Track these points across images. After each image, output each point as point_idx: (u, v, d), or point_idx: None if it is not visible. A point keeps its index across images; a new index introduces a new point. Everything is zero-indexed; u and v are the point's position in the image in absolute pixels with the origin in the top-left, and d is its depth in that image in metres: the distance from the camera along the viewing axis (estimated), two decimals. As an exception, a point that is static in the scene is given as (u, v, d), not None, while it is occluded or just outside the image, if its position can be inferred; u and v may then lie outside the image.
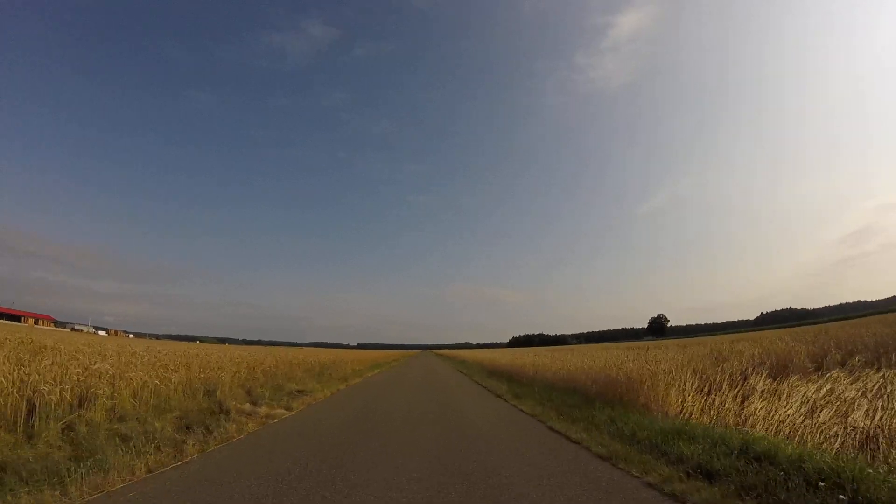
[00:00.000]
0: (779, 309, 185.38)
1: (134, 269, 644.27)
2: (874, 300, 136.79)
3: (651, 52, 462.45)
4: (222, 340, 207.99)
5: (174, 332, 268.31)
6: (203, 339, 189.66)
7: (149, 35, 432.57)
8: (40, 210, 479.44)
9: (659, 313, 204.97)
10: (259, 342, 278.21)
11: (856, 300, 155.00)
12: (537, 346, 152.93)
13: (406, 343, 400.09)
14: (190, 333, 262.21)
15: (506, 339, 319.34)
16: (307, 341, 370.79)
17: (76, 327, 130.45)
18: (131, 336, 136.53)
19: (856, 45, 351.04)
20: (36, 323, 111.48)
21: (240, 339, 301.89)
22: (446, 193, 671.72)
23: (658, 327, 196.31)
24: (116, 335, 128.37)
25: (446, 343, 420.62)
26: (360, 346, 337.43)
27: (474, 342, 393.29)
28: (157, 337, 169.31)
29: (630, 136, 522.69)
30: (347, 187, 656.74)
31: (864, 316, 62.38)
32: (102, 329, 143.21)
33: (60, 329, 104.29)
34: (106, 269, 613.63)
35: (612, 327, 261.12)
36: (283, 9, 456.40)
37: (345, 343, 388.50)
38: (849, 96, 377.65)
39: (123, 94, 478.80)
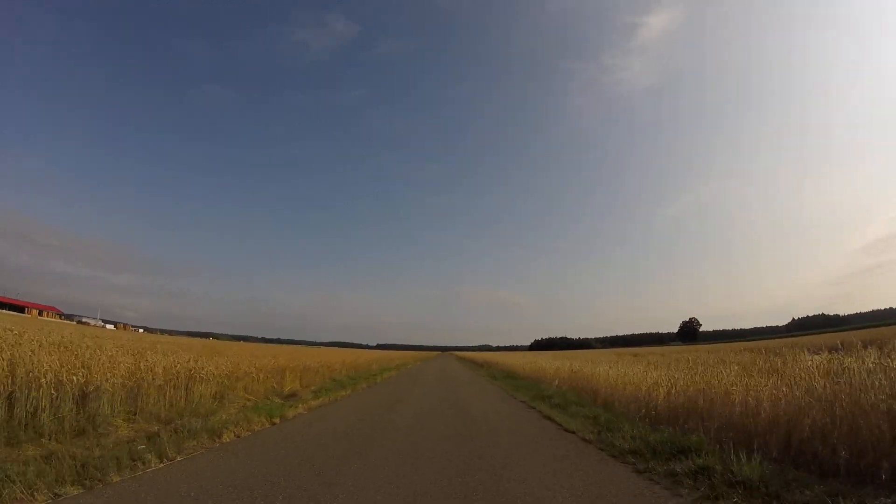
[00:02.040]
0: (810, 315, 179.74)
1: (151, 264, 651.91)
2: None
3: (678, 53, 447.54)
4: (237, 338, 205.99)
5: (190, 329, 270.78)
6: (217, 336, 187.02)
7: (169, 30, 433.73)
8: (60, 203, 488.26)
9: (691, 317, 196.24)
10: (279, 340, 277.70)
11: (887, 307, 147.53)
12: (559, 349, 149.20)
13: (425, 344, 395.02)
14: (206, 330, 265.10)
15: (526, 343, 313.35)
16: (326, 340, 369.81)
17: (83, 320, 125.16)
18: (141, 331, 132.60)
19: (882, 51, 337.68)
20: (40, 314, 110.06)
21: (258, 336, 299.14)
22: (464, 194, 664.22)
23: (689, 332, 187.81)
24: (125, 329, 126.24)
25: (465, 345, 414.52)
26: (380, 347, 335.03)
27: (494, 345, 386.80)
28: (170, 333, 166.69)
29: (653, 138, 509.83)
30: (365, 186, 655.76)
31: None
32: (110, 323, 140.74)
33: (66, 322, 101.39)
34: (124, 263, 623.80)
35: (638, 332, 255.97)
36: (307, 3, 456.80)
37: (364, 343, 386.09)
38: (874, 103, 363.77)
39: (143, 90, 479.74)
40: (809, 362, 8.23)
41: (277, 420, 10.02)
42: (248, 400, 12.61)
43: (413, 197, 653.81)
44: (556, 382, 15.62)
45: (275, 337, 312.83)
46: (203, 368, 12.06)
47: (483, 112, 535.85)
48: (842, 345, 10.10)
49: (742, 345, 53.92)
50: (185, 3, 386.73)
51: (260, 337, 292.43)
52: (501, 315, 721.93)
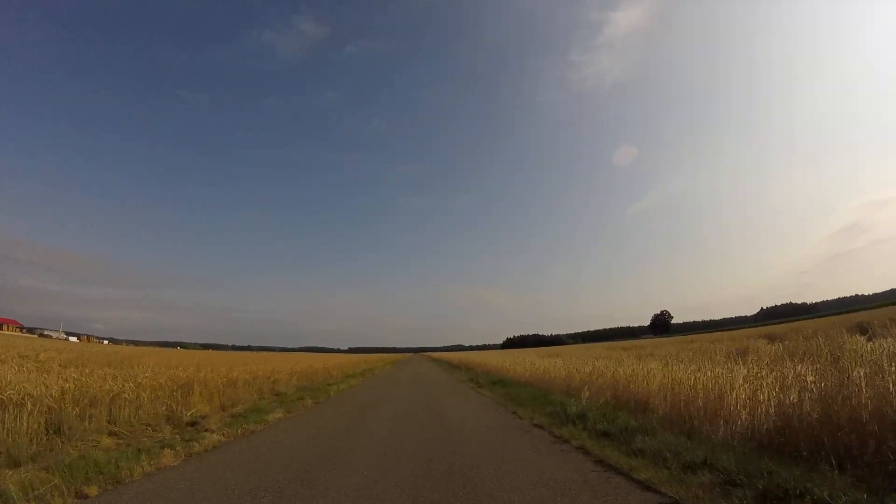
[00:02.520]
0: (778, 304, 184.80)
1: (120, 274, 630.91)
2: (871, 294, 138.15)
3: (644, 49, 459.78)
4: (206, 346, 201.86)
5: (160, 339, 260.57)
6: (186, 346, 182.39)
7: (138, 35, 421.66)
8: (25, 214, 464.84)
9: (662, 310, 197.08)
10: (249, 348, 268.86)
11: (853, 294, 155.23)
12: (532, 346, 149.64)
13: (398, 346, 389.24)
14: (177, 339, 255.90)
15: (499, 341, 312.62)
16: (298, 346, 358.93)
17: (45, 333, 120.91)
18: (105, 342, 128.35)
19: (843, 44, 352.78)
20: (0, 328, 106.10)
21: (229, 344, 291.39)
22: (438, 194, 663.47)
23: (662, 325, 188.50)
24: (89, 341, 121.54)
25: (438, 346, 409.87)
26: (351, 350, 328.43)
27: (466, 344, 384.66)
28: (135, 343, 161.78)
29: (621, 134, 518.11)
30: (338, 189, 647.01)
31: (866, 309, 61.48)
32: (73, 335, 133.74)
33: (27, 335, 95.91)
34: (95, 275, 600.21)
35: (609, 326, 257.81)
36: (274, 6, 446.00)
37: (336, 347, 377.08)
38: (836, 95, 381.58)
39: (112, 95, 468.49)
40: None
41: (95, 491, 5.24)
42: (112, 435, 8.07)
43: (388, 198, 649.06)
44: (586, 393, 10.88)
45: (246, 344, 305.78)
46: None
47: (457, 112, 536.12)
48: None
49: (723, 334, 51.36)
50: (156, 8, 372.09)
51: (230, 345, 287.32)
52: (474, 314, 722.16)
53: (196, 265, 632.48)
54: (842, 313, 74.05)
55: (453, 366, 45.06)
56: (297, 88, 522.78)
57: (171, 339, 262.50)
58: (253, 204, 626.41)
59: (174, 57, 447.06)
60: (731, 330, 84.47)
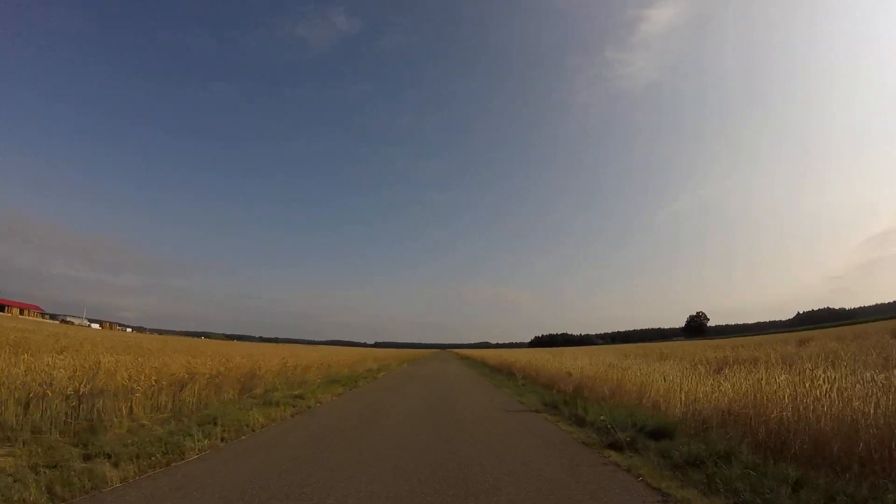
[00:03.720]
0: (815, 309, 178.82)
1: (148, 263, 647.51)
2: None
3: (680, 49, 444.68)
4: (232, 337, 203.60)
5: (187, 329, 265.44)
6: (211, 336, 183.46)
7: (171, 25, 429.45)
8: (59, 201, 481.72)
9: (698, 311, 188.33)
10: (276, 339, 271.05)
11: (891, 301, 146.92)
12: (560, 345, 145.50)
13: (424, 342, 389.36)
14: (204, 329, 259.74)
15: (526, 340, 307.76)
16: (324, 339, 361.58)
17: (67, 319, 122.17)
18: (129, 330, 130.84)
19: (882, 49, 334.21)
20: (21, 313, 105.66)
21: (256, 336, 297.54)
22: (466, 191, 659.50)
23: (696, 327, 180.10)
24: (111, 328, 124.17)
25: (465, 343, 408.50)
26: (378, 345, 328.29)
27: (493, 342, 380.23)
28: (160, 332, 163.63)
29: (654, 136, 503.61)
30: (366, 182, 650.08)
31: None
32: (96, 322, 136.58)
33: (48, 321, 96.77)
34: (124, 263, 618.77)
35: (636, 328, 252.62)
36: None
37: (362, 342, 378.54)
38: (874, 100, 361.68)
39: (145, 84, 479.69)
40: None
41: None
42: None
43: (415, 194, 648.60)
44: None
45: (273, 336, 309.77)
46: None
47: (486, 109, 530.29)
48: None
49: (767, 337, 45.09)
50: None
51: (258, 336, 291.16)
52: (500, 312, 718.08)
53: (223, 256, 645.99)
54: (883, 319, 69.88)
55: (492, 368, 34.19)
56: (328, 81, 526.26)
57: (195, 329, 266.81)
58: (281, 195, 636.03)
59: (207, 47, 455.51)
60: (766, 334, 78.86)
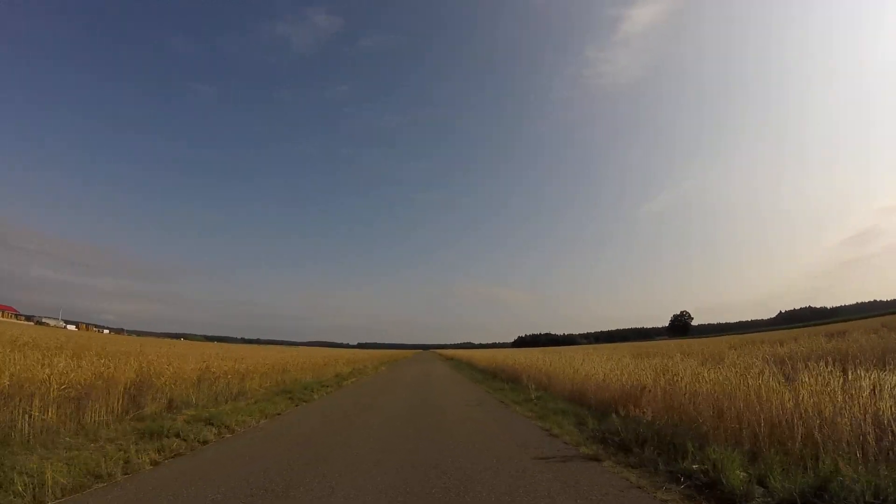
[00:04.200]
0: (797, 308, 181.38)
1: (130, 266, 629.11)
2: (889, 299, 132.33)
3: (660, 48, 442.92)
4: (212, 339, 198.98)
5: (169, 330, 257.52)
6: (190, 338, 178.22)
7: (151, 27, 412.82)
8: (39, 205, 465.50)
9: (682, 310, 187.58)
10: (258, 341, 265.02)
11: (871, 300, 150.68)
12: (544, 345, 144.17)
13: (407, 343, 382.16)
14: (186, 331, 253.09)
15: (510, 339, 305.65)
16: (306, 340, 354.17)
17: (43, 320, 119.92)
18: (106, 332, 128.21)
19: (860, 47, 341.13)
20: None
21: (238, 337, 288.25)
22: (450, 191, 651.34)
23: (681, 326, 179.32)
24: (87, 330, 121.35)
25: (448, 343, 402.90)
26: (361, 346, 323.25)
27: (476, 342, 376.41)
28: (138, 334, 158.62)
29: (634, 133, 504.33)
30: (349, 184, 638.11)
31: (888, 314, 57.93)
32: (72, 324, 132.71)
33: (24, 322, 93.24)
34: (106, 267, 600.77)
35: (621, 327, 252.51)
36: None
37: (345, 342, 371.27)
38: (852, 99, 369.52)
39: (123, 87, 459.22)
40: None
41: None
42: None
43: (400, 194, 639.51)
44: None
45: (255, 338, 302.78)
46: None
47: (469, 108, 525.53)
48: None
49: (755, 336, 41.72)
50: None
51: (239, 338, 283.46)
52: (482, 312, 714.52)
53: (205, 258, 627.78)
54: (866, 317, 68.28)
55: (485, 373, 28.63)
56: (310, 82, 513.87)
57: (177, 331, 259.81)
58: (263, 197, 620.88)
59: (186, 49, 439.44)
60: (750, 333, 77.54)
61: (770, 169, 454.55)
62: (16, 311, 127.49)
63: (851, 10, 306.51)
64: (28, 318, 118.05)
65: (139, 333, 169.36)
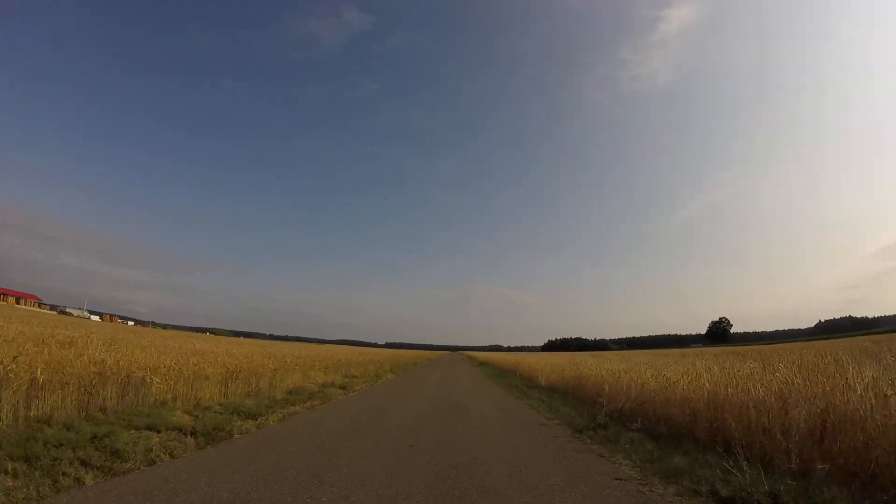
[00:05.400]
0: (837, 318, 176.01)
1: (163, 260, 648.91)
2: None
3: (695, 49, 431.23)
4: (238, 334, 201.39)
5: (195, 324, 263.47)
6: (217, 332, 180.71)
7: (182, 22, 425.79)
8: (70, 198, 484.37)
9: (721, 317, 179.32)
10: (285, 337, 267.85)
11: None
12: (574, 350, 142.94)
13: (435, 344, 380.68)
14: (213, 325, 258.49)
15: (538, 344, 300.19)
16: (334, 338, 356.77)
17: (66, 310, 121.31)
18: (130, 324, 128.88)
19: None
20: (17, 302, 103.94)
21: (265, 333, 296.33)
22: (476, 192, 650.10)
23: (719, 333, 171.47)
24: (112, 321, 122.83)
25: (476, 345, 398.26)
26: (389, 345, 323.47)
27: (505, 345, 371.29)
28: (163, 327, 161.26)
29: (667, 137, 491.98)
30: (375, 182, 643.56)
31: None
32: (96, 314, 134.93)
33: (46, 312, 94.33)
34: (135, 259, 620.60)
35: (653, 333, 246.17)
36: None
37: (373, 342, 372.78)
38: (891, 107, 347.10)
39: (153, 82, 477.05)
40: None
41: None
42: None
43: (425, 194, 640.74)
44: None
45: (282, 334, 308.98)
46: None
47: (497, 108, 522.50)
48: None
49: (816, 345, 36.52)
50: None
51: (267, 334, 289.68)
52: (510, 315, 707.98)
53: (232, 253, 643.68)
54: None
55: (540, 388, 19.48)
56: (339, 79, 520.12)
57: (206, 325, 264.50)
58: (290, 194, 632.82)
59: (217, 44, 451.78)
60: (785, 342, 72.16)
61: (806, 176, 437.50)
62: (39, 299, 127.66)
63: (893, 8, 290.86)
64: (52, 308, 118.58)
65: (165, 326, 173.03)
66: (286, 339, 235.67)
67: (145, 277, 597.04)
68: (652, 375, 11.54)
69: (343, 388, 16.32)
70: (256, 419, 9.17)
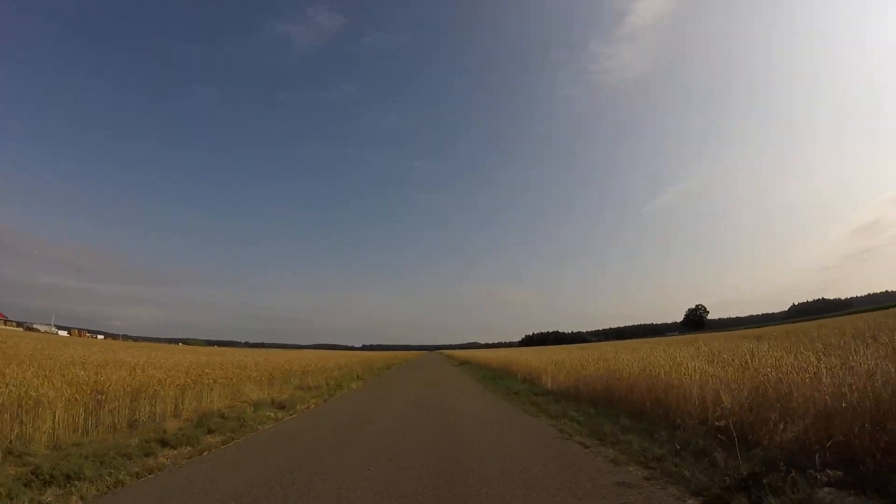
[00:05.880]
0: (810, 300, 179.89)
1: (136, 272, 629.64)
2: None
3: (666, 42, 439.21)
4: (212, 343, 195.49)
5: (173, 336, 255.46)
6: (190, 342, 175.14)
7: (152, 30, 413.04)
8: (46, 213, 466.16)
9: (697, 304, 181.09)
10: (263, 345, 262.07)
11: (882, 290, 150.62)
12: (552, 344, 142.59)
13: (412, 344, 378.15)
14: (191, 336, 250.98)
15: (517, 339, 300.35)
16: (312, 343, 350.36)
17: (33, 326, 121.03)
18: (100, 337, 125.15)
19: (866, 39, 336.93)
20: None
21: (241, 341, 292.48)
22: (456, 191, 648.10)
23: (696, 320, 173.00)
24: (80, 335, 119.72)
25: (454, 343, 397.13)
26: (366, 348, 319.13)
27: (482, 342, 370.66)
28: (135, 339, 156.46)
29: (640, 129, 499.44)
30: (354, 185, 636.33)
31: None
32: (64, 329, 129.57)
33: (10, 328, 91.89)
34: (114, 273, 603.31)
35: (629, 324, 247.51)
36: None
37: (350, 345, 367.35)
38: (858, 89, 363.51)
39: (125, 91, 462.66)
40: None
41: None
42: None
43: (405, 195, 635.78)
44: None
45: (259, 341, 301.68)
46: None
47: (475, 107, 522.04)
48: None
49: (793, 327, 35.02)
50: (169, 1, 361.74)
51: (244, 342, 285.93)
52: (488, 311, 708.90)
53: (211, 263, 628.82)
54: (883, 308, 67.40)
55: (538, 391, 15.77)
56: (314, 82, 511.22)
57: (183, 336, 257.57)
58: (267, 200, 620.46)
59: (188, 51, 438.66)
60: (761, 327, 73.66)
61: (777, 161, 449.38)
62: (4, 316, 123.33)
63: (857, 2, 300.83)
64: (19, 324, 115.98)
65: (136, 339, 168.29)
66: (262, 346, 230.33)
67: (121, 291, 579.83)
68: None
69: (283, 407, 12.77)
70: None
